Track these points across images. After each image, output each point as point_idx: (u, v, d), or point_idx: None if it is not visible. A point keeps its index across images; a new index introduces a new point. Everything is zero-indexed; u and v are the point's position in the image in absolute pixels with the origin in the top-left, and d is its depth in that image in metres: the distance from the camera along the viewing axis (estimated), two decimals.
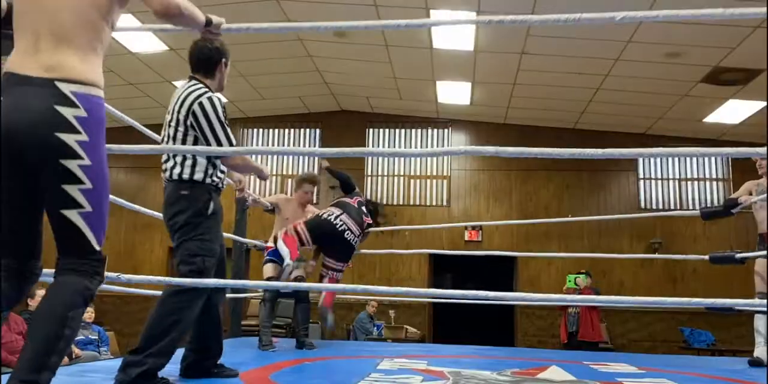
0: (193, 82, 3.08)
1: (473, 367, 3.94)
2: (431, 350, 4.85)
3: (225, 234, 5.70)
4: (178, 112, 2.97)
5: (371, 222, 5.09)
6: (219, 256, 3.02)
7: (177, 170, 2.95)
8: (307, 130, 12.31)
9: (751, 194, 4.94)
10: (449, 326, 12.61)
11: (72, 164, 1.89)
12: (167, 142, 3.01)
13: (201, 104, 2.93)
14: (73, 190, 1.90)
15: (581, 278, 8.15)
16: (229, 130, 2.98)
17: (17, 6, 2.00)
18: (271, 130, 12.38)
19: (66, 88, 1.89)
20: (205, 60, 3.11)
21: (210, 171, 2.97)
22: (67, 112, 1.88)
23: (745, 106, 9.62)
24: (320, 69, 10.16)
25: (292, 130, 12.34)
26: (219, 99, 3.02)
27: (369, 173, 12.01)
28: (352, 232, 4.84)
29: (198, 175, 2.95)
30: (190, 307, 2.82)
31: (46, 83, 1.88)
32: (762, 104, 9.38)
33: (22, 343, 5.37)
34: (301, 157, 12.25)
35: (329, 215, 4.84)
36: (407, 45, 8.81)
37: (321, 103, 11.82)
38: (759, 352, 4.73)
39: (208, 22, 2.63)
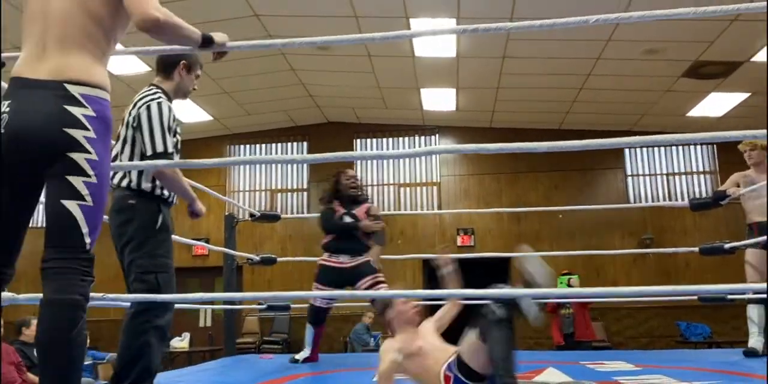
0: (151, 87, 3.02)
1: None
2: None
3: (218, 248, 5.73)
4: (129, 114, 2.92)
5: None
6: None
7: (124, 177, 2.86)
8: (294, 143, 12.31)
9: (738, 186, 5.00)
10: (446, 333, 12.56)
11: (79, 157, 1.92)
12: (116, 145, 2.91)
13: (148, 107, 2.86)
14: (77, 181, 1.91)
15: (574, 279, 8.16)
16: (170, 137, 2.83)
17: (26, 16, 2.07)
18: (257, 146, 12.38)
19: (75, 90, 1.95)
20: (163, 61, 3.06)
21: (159, 182, 2.86)
22: (76, 111, 1.93)
23: (728, 98, 9.70)
24: (304, 82, 10.17)
25: (279, 144, 12.34)
26: (169, 106, 2.91)
27: None
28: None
29: (145, 185, 2.84)
30: (155, 326, 2.68)
31: (56, 85, 1.94)
32: (744, 96, 9.47)
33: (15, 374, 5.20)
34: (288, 172, 12.23)
35: None
36: (390, 54, 8.84)
37: (307, 116, 11.83)
38: (753, 342, 4.75)
39: (208, 40, 2.37)
